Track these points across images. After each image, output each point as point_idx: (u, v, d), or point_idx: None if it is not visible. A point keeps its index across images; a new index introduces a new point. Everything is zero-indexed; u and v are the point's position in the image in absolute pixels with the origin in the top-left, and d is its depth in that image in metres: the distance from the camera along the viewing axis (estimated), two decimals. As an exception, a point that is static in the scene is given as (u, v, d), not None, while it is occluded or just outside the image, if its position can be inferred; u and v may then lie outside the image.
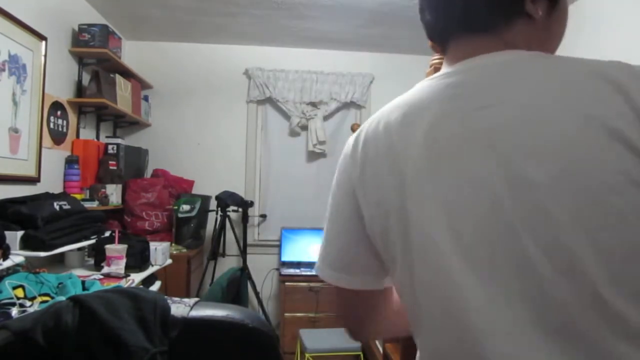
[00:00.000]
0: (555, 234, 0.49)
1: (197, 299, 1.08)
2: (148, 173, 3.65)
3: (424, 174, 0.57)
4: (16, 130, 2.26)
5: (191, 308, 1.04)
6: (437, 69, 1.68)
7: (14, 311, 1.47)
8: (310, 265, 3.61)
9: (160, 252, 2.42)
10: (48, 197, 2.19)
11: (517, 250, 0.50)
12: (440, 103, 0.59)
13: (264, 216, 3.89)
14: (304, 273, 3.46)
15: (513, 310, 0.51)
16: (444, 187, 0.56)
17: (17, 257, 1.73)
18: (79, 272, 2.05)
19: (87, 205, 2.57)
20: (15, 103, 2.24)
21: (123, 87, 3.17)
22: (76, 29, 2.84)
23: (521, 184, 0.51)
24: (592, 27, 2.53)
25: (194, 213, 3.35)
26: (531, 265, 0.50)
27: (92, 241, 2.22)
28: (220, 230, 3.28)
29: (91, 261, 2.32)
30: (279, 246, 3.76)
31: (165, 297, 1.08)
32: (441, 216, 0.55)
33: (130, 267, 2.14)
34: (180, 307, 1.04)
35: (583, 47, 2.21)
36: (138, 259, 2.21)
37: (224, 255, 3.40)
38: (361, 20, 3.23)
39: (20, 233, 1.83)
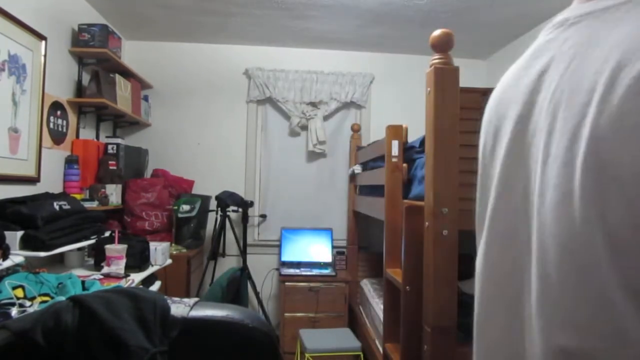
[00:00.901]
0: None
1: (197, 299, 1.08)
2: (148, 173, 3.65)
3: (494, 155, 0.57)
4: (16, 130, 2.26)
5: (191, 308, 1.03)
6: (437, 68, 1.66)
7: (14, 311, 1.46)
8: (310, 265, 3.61)
9: (160, 252, 2.42)
10: (48, 197, 2.19)
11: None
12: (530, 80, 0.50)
13: (264, 216, 3.89)
14: (303, 273, 3.46)
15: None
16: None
17: (17, 257, 1.73)
18: (79, 272, 2.05)
19: (87, 205, 2.57)
20: (15, 103, 2.24)
21: (123, 87, 3.17)
22: (76, 28, 2.84)
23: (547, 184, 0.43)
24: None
25: (194, 213, 3.35)
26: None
27: (92, 241, 2.22)
28: (220, 230, 3.28)
29: (91, 261, 2.32)
30: (279, 246, 3.76)
31: (165, 297, 1.08)
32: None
33: (130, 267, 2.14)
34: (180, 307, 1.03)
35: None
36: (138, 259, 2.21)
37: (224, 255, 3.40)
38: (361, 20, 3.23)
39: (20, 233, 1.83)
